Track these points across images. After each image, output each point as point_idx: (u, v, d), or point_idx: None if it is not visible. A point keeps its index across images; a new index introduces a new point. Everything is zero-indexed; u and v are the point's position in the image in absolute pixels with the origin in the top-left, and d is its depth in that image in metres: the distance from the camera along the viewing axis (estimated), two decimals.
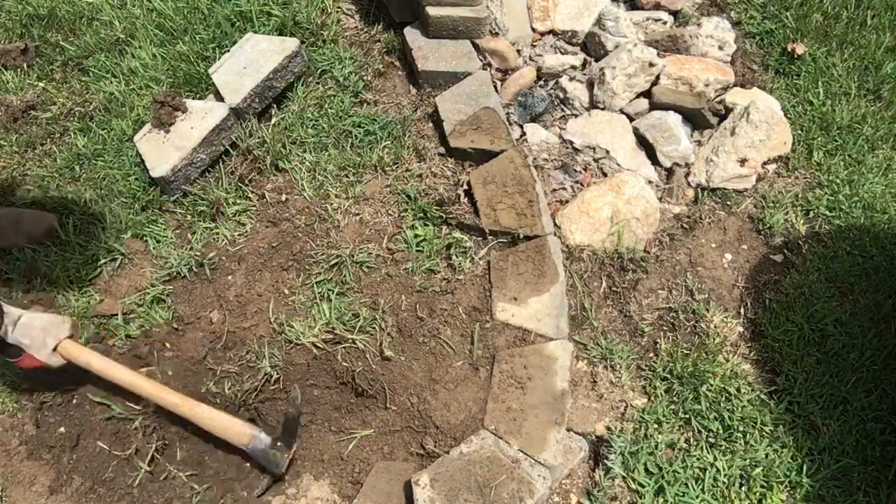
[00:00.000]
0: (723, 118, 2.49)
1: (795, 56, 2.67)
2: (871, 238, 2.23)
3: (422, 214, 2.25)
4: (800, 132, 2.49)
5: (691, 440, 1.87)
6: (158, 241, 2.25)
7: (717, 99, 2.53)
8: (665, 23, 2.77)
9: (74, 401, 1.96)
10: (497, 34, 2.65)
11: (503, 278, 2.07)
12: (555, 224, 2.22)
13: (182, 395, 1.85)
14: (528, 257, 2.08)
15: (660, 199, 2.35)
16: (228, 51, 2.55)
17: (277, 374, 1.96)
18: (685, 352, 2.02)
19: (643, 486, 1.77)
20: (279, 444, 1.81)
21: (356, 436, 1.89)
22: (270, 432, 1.82)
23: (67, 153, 2.48)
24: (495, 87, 2.55)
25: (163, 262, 2.20)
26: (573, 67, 2.63)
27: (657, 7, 2.79)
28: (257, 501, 1.81)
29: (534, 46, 2.70)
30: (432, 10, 2.52)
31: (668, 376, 1.98)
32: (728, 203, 2.35)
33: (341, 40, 2.73)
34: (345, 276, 2.12)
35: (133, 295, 2.13)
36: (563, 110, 2.58)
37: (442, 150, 2.43)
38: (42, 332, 1.82)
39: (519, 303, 2.02)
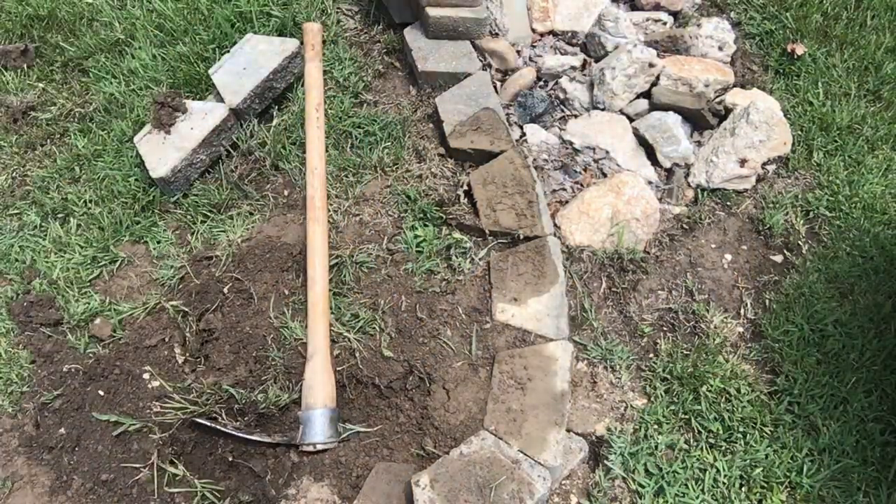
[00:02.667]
0: (723, 119, 2.49)
1: (795, 57, 2.67)
2: (871, 239, 2.23)
3: (422, 215, 2.25)
4: (800, 133, 2.49)
5: (691, 441, 1.87)
6: (158, 242, 2.26)
7: (717, 99, 2.53)
8: (665, 23, 2.78)
9: (74, 402, 1.96)
10: (497, 35, 2.65)
11: (503, 279, 2.07)
12: (555, 224, 2.22)
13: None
14: (528, 258, 2.09)
15: (660, 200, 2.35)
16: (228, 51, 2.55)
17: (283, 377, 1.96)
18: (685, 352, 2.02)
19: (643, 487, 1.77)
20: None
21: (356, 435, 1.89)
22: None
23: (67, 154, 2.49)
24: (495, 87, 2.55)
25: (163, 262, 2.20)
26: (573, 68, 2.63)
27: (657, 8, 2.80)
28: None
29: (534, 47, 2.70)
30: (432, 11, 2.52)
31: (668, 377, 1.98)
32: (728, 203, 2.35)
33: (341, 41, 2.73)
34: (344, 276, 2.12)
35: (129, 303, 2.13)
36: (562, 111, 2.58)
37: (442, 150, 2.43)
38: None
39: (519, 303, 2.02)
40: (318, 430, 1.83)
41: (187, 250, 2.23)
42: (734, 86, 2.59)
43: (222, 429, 1.83)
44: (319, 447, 1.83)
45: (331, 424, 1.84)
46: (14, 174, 2.49)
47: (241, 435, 1.84)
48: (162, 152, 2.30)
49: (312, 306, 1.97)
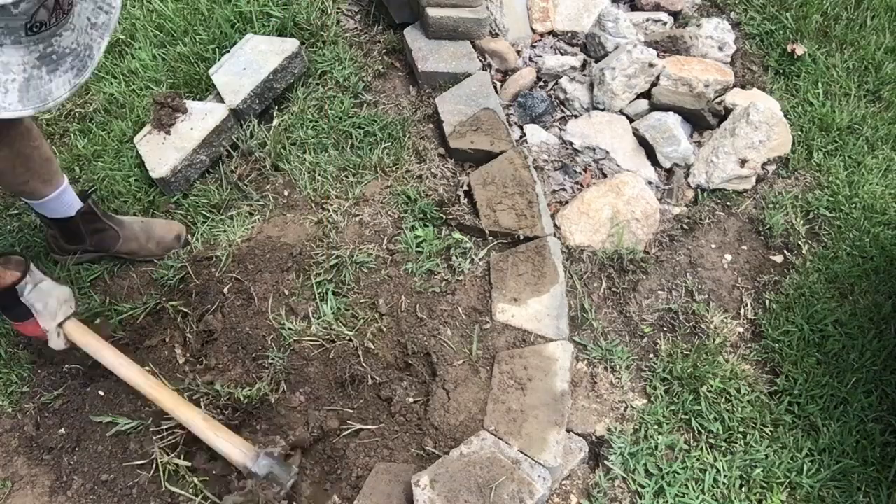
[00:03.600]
0: (723, 119, 2.49)
1: (795, 57, 2.67)
2: (871, 239, 2.23)
3: (422, 215, 2.25)
4: (800, 133, 2.49)
5: (691, 441, 1.87)
6: None
7: (717, 100, 2.53)
8: (665, 24, 2.78)
9: (74, 403, 1.96)
10: (497, 35, 2.65)
11: (503, 279, 2.07)
12: (555, 225, 2.22)
13: (187, 405, 1.77)
14: (528, 258, 2.09)
15: (660, 200, 2.35)
16: (228, 52, 2.55)
17: (280, 377, 1.96)
18: (685, 352, 2.02)
19: (643, 487, 1.77)
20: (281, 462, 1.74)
21: (356, 435, 1.89)
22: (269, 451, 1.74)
23: (67, 154, 2.49)
24: (495, 87, 2.55)
25: (163, 262, 2.20)
26: (573, 68, 2.63)
27: (657, 8, 2.80)
28: None
29: (534, 47, 2.70)
30: (432, 11, 2.52)
31: (668, 377, 1.98)
32: (728, 204, 2.35)
33: (341, 41, 2.73)
34: (344, 276, 2.12)
35: (129, 303, 2.13)
36: (562, 111, 2.58)
37: (442, 150, 2.43)
38: (57, 303, 1.75)
39: (519, 304, 2.02)
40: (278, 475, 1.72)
41: (187, 251, 2.23)
42: (734, 86, 2.59)
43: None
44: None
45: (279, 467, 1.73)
46: None
47: None
48: (162, 152, 2.30)
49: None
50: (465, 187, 2.29)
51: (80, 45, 1.19)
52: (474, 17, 2.54)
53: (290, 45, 2.50)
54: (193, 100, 2.47)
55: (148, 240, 2.15)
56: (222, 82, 2.44)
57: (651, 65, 2.47)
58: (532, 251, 2.09)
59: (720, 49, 2.65)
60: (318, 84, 2.60)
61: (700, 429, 1.88)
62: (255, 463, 1.69)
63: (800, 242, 2.26)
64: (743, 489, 1.77)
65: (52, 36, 1.13)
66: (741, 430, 1.86)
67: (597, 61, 2.64)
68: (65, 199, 1.97)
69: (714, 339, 2.03)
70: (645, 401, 1.96)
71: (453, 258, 2.14)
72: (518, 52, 2.66)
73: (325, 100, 2.55)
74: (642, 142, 2.45)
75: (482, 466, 1.68)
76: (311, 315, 2.05)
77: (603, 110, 2.52)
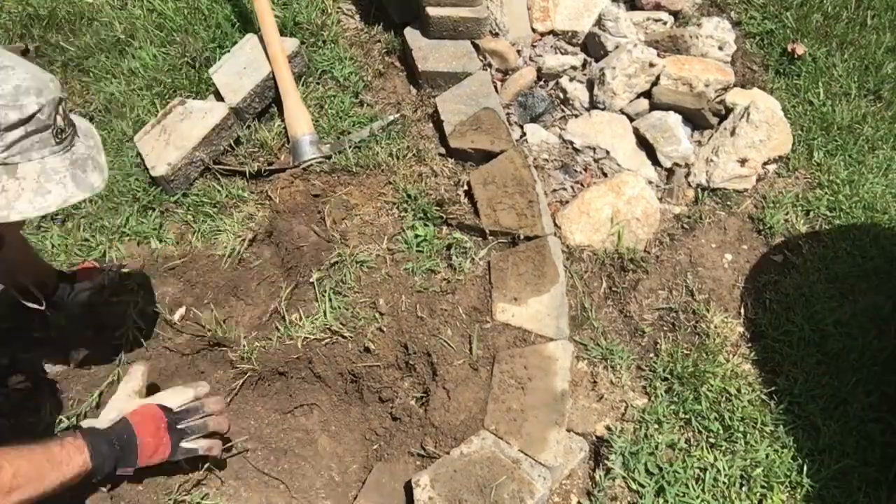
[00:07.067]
0: (723, 118, 2.49)
1: (796, 56, 2.67)
2: (871, 238, 2.23)
3: (422, 215, 2.25)
4: (800, 132, 2.49)
5: (692, 440, 1.87)
6: (160, 241, 2.25)
7: (718, 99, 2.53)
8: (665, 23, 2.78)
9: None
10: (497, 35, 2.65)
11: (503, 279, 2.06)
12: (555, 224, 2.21)
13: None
14: (529, 258, 2.08)
15: (660, 200, 2.35)
16: (229, 51, 2.55)
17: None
18: (685, 352, 2.02)
19: (643, 487, 1.77)
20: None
21: (356, 435, 1.89)
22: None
23: None
24: (495, 87, 2.55)
25: (163, 261, 2.20)
26: (573, 68, 2.63)
27: (657, 7, 2.80)
28: None
29: (534, 47, 2.70)
30: (432, 11, 2.52)
31: (669, 376, 1.98)
32: (728, 203, 2.35)
33: (341, 41, 2.73)
34: (345, 276, 2.12)
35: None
36: (563, 111, 2.58)
37: (442, 150, 2.43)
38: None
39: (519, 303, 2.01)
40: (306, 150, 2.32)
41: (188, 250, 2.23)
42: (734, 85, 2.59)
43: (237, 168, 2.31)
44: (309, 163, 2.29)
45: (313, 146, 2.33)
46: None
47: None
48: (162, 151, 2.30)
49: (273, 60, 2.41)
50: (466, 187, 2.29)
51: (88, 154, 1.39)
52: (474, 17, 2.54)
53: (290, 44, 2.50)
54: (193, 99, 2.47)
55: None
56: (222, 81, 2.43)
57: (651, 64, 2.47)
58: (532, 251, 2.09)
59: (720, 48, 2.65)
60: (317, 83, 2.60)
61: (700, 428, 1.88)
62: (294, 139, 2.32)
63: (800, 242, 2.26)
64: (743, 489, 1.77)
65: (72, 144, 1.35)
66: (741, 429, 1.86)
67: (597, 61, 2.64)
68: None
69: (714, 339, 2.03)
70: (645, 400, 1.96)
71: (453, 258, 2.14)
72: (518, 52, 2.66)
73: (325, 99, 2.55)
74: (643, 141, 2.45)
75: (482, 466, 1.68)
76: (310, 315, 2.04)
77: (603, 110, 2.52)
